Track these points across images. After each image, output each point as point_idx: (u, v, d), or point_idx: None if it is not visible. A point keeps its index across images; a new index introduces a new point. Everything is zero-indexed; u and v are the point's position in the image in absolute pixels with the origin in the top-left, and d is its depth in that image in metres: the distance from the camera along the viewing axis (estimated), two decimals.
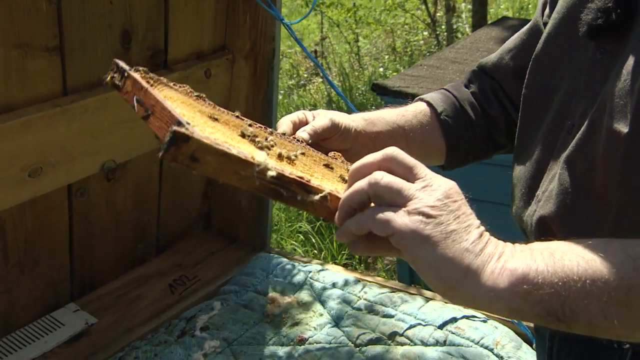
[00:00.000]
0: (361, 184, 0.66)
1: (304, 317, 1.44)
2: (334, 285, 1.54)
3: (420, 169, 0.67)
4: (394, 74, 5.98)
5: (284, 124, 0.96)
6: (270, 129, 0.86)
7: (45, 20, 1.25)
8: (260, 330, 1.41)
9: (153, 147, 1.57)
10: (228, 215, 1.85)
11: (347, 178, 0.78)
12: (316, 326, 1.41)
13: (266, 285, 1.56)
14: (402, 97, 2.34)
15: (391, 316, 1.42)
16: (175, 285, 1.67)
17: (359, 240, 0.69)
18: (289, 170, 0.66)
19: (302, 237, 3.50)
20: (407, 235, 0.63)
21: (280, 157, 0.71)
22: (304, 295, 1.52)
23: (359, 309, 1.45)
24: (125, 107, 1.43)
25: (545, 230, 0.89)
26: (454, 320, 1.37)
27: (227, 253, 1.80)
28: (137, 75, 0.74)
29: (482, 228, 0.66)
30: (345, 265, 3.34)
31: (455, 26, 6.83)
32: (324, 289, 1.53)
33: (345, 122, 1.01)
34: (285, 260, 1.67)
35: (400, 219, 0.63)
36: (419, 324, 1.38)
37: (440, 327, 1.36)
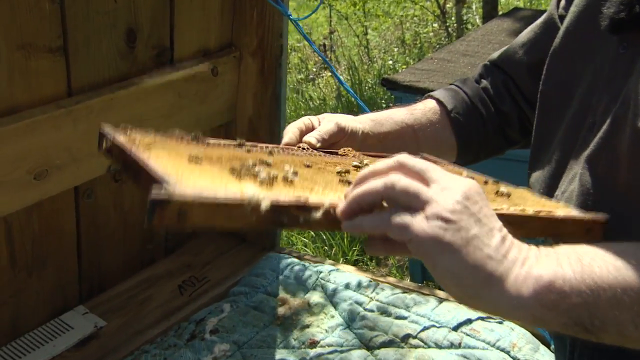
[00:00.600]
0: (376, 185, 0.63)
1: (315, 320, 1.41)
2: (345, 286, 1.51)
3: (433, 171, 0.64)
4: (404, 67, 5.93)
5: (290, 131, 0.94)
6: (271, 147, 0.84)
7: (49, 20, 1.22)
8: (270, 333, 1.39)
9: None
10: None
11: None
12: (328, 328, 1.39)
13: (276, 287, 1.53)
14: (412, 92, 2.30)
15: (404, 318, 1.39)
16: (185, 287, 1.65)
17: (375, 240, 0.66)
18: (284, 194, 0.62)
19: (312, 233, 3.48)
20: (425, 242, 0.60)
21: (273, 181, 0.67)
22: (315, 297, 1.49)
23: (371, 311, 1.42)
24: (130, 107, 1.41)
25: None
26: (468, 321, 1.34)
27: (236, 253, 1.78)
28: (121, 140, 0.71)
29: (505, 230, 0.63)
30: (356, 262, 3.31)
31: (465, 17, 6.76)
32: (336, 290, 1.50)
33: (352, 124, 0.98)
34: (295, 260, 1.65)
35: (418, 224, 0.60)
36: (433, 325, 1.35)
37: (455, 328, 1.33)
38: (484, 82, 1.12)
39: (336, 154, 0.90)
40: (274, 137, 1.63)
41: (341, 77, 6.37)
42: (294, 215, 0.61)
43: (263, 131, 1.64)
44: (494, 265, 0.60)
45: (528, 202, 0.77)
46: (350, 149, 0.92)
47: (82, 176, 1.38)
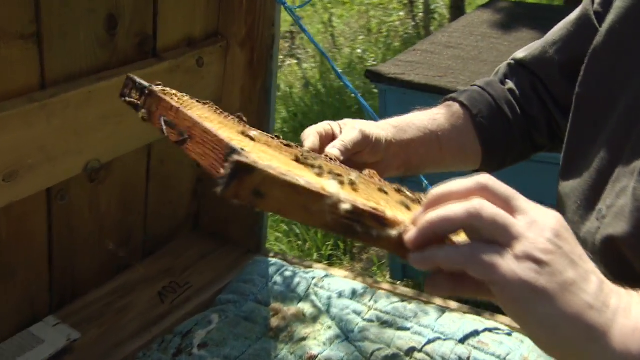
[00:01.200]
0: (456, 210, 0.54)
1: (311, 331, 1.32)
2: (340, 294, 1.43)
3: (520, 200, 0.55)
4: (372, 55, 5.86)
5: (312, 135, 0.85)
6: (304, 149, 0.75)
7: (21, 3, 1.09)
8: (264, 346, 1.29)
9: (141, 144, 1.42)
10: (219, 215, 1.71)
11: (408, 203, 0.66)
12: (325, 341, 1.30)
13: (267, 294, 1.43)
14: (397, 85, 2.22)
15: (407, 329, 1.31)
16: (165, 293, 1.53)
17: (440, 276, 0.57)
18: (360, 200, 0.54)
19: (285, 226, 3.38)
20: (515, 286, 0.51)
21: (341, 183, 0.58)
22: (309, 306, 1.40)
23: (370, 321, 1.34)
24: (111, 101, 1.28)
25: (615, 252, 0.79)
26: (475, 333, 1.27)
27: (219, 256, 1.67)
28: (161, 93, 0.61)
29: (599, 273, 0.55)
30: (329, 257, 3.23)
31: (432, 6, 6.72)
32: (330, 298, 1.42)
33: (376, 132, 0.90)
34: (284, 264, 1.55)
35: (506, 264, 0.51)
36: (438, 338, 1.27)
37: (462, 341, 1.26)
38: (509, 83, 1.04)
39: (360, 171, 0.82)
40: None
41: (306, 65, 6.26)
42: (368, 226, 0.54)
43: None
44: (595, 316, 0.52)
45: None
46: (375, 172, 0.83)
47: (57, 177, 1.25)
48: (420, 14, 6.81)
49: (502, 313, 1.35)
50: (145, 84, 0.65)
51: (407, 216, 0.58)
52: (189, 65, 1.42)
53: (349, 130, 0.86)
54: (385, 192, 0.68)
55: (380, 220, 0.54)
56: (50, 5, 1.13)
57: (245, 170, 0.46)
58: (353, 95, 5.35)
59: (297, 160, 0.61)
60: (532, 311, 0.51)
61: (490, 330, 1.28)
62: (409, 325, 1.32)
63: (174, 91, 0.68)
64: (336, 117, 0.96)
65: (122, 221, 1.52)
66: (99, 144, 1.29)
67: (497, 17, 2.87)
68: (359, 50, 5.98)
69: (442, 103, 1.04)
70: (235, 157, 0.46)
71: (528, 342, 1.25)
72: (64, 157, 1.24)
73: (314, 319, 1.36)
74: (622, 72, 0.85)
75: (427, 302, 1.40)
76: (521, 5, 2.99)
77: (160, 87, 0.67)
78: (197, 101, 0.71)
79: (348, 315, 1.36)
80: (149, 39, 1.34)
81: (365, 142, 0.86)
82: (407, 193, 0.75)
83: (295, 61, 6.34)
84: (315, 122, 0.89)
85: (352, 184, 0.60)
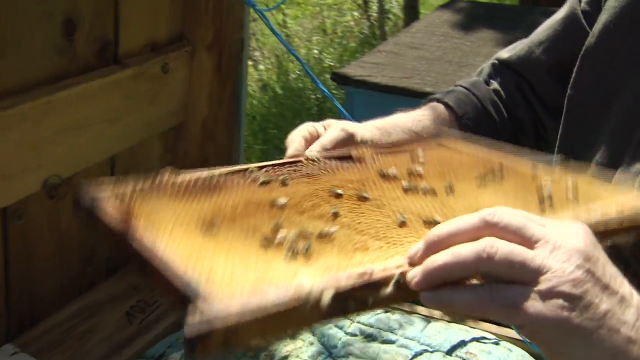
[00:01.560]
0: (466, 255, 0.48)
1: (292, 349, 1.26)
2: None
3: (534, 227, 0.49)
4: (329, 56, 5.83)
5: (296, 141, 0.80)
6: (284, 175, 0.69)
7: None
8: None
9: (104, 156, 1.34)
10: None
11: (402, 212, 0.61)
12: (308, 358, 1.24)
13: None
14: (365, 87, 2.18)
15: (392, 342, 1.26)
16: (133, 314, 1.45)
17: None
18: (342, 266, 0.49)
19: None
20: (545, 328, 0.46)
21: (305, 242, 0.54)
22: None
23: (353, 335, 1.29)
24: (70, 112, 1.20)
25: (618, 260, 0.76)
26: (462, 344, 1.24)
27: None
28: (109, 211, 0.55)
29: (634, 294, 0.50)
30: None
31: (386, 6, 6.74)
32: None
33: (361, 132, 0.85)
34: None
35: (532, 304, 0.46)
36: (425, 350, 1.23)
37: (449, 352, 1.22)
38: (494, 84, 1.00)
39: (350, 158, 0.77)
40: (233, 142, 1.46)
41: (261, 67, 6.19)
42: (361, 298, 0.48)
43: (220, 135, 1.46)
44: (636, 351, 0.47)
45: (605, 200, 0.64)
46: (364, 150, 0.78)
47: (13, 195, 1.16)
48: (375, 14, 6.82)
49: (487, 321, 1.31)
50: (91, 199, 0.57)
51: (401, 248, 0.53)
52: (153, 72, 1.35)
53: (332, 130, 0.82)
54: (365, 198, 0.63)
55: (369, 286, 0.48)
56: (2, 11, 1.04)
57: (203, 336, 0.41)
58: (313, 97, 5.29)
59: (267, 241, 0.54)
60: (569, 352, 0.46)
61: (477, 339, 1.25)
62: (394, 337, 1.27)
63: (127, 188, 0.59)
64: (296, 118, 0.91)
65: (84, 238, 1.43)
66: (58, 159, 1.21)
67: (457, 17, 2.86)
68: (315, 51, 5.94)
69: (426, 104, 1.00)
70: (188, 332, 0.41)
71: (516, 350, 1.22)
72: (21, 173, 1.15)
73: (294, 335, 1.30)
74: (617, 72, 0.82)
75: (411, 312, 1.36)
76: (479, 5, 3.00)
77: (113, 193, 0.58)
78: (157, 182, 0.62)
79: (330, 330, 1.30)
80: (110, 45, 1.26)
81: (350, 141, 0.82)
82: (402, 181, 0.70)
83: (251, 63, 6.26)
84: (275, 125, 0.84)
85: (326, 235, 0.54)
